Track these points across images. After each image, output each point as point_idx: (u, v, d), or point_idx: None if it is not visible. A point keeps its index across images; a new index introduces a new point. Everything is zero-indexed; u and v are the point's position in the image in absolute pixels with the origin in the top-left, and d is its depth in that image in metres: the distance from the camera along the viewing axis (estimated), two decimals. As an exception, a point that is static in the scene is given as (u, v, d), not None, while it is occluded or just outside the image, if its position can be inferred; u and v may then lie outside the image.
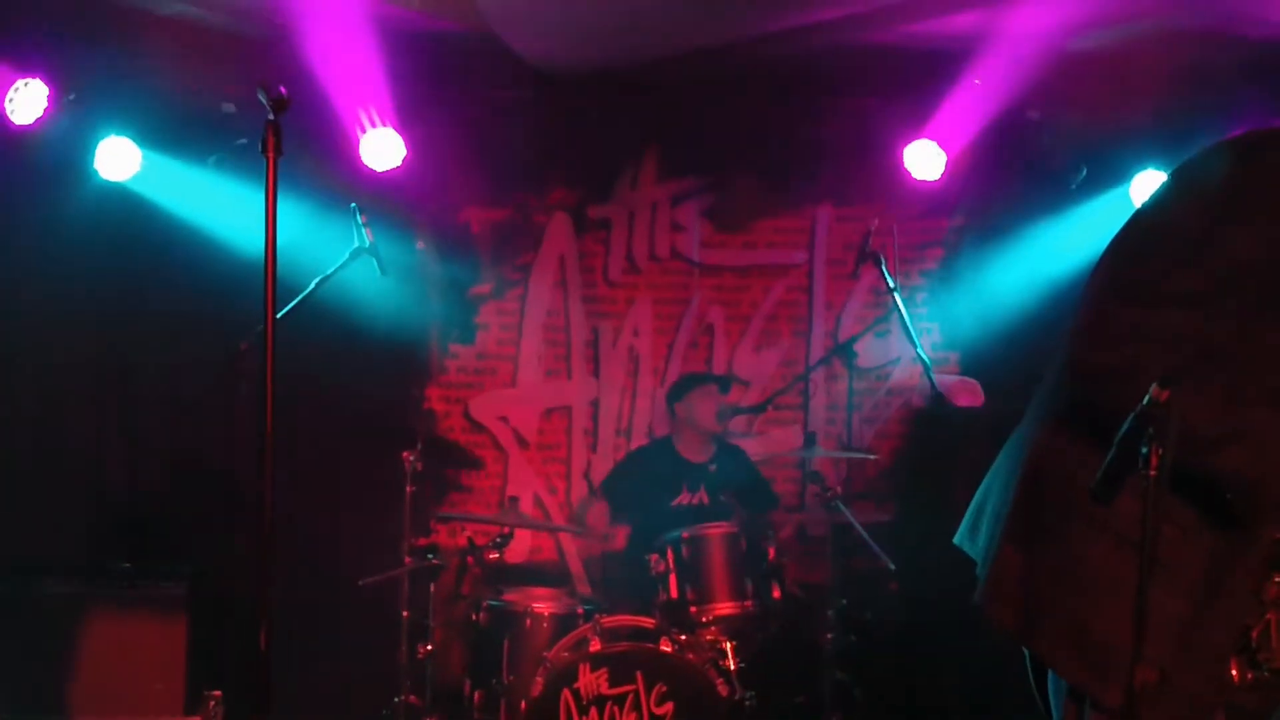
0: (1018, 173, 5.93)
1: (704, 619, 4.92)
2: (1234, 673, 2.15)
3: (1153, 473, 1.79)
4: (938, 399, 5.17)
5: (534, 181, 6.12)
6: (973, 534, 2.40)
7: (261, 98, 2.86)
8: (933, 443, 6.05)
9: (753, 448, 5.96)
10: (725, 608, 4.94)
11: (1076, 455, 2.06)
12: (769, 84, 5.89)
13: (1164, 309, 2.00)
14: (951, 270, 6.19)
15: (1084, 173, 5.70)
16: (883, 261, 5.11)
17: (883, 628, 5.78)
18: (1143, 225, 2.16)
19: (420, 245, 6.09)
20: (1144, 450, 1.80)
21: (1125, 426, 1.84)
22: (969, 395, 5.61)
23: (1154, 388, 1.80)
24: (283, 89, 2.86)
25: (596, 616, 4.75)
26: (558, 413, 6.19)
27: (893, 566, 5.08)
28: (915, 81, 5.61)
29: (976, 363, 6.06)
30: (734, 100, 6.00)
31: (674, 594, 4.97)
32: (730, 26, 5.01)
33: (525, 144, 6.03)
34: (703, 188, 6.21)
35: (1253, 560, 2.10)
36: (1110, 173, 5.62)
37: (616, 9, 4.81)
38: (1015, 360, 5.54)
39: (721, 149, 6.13)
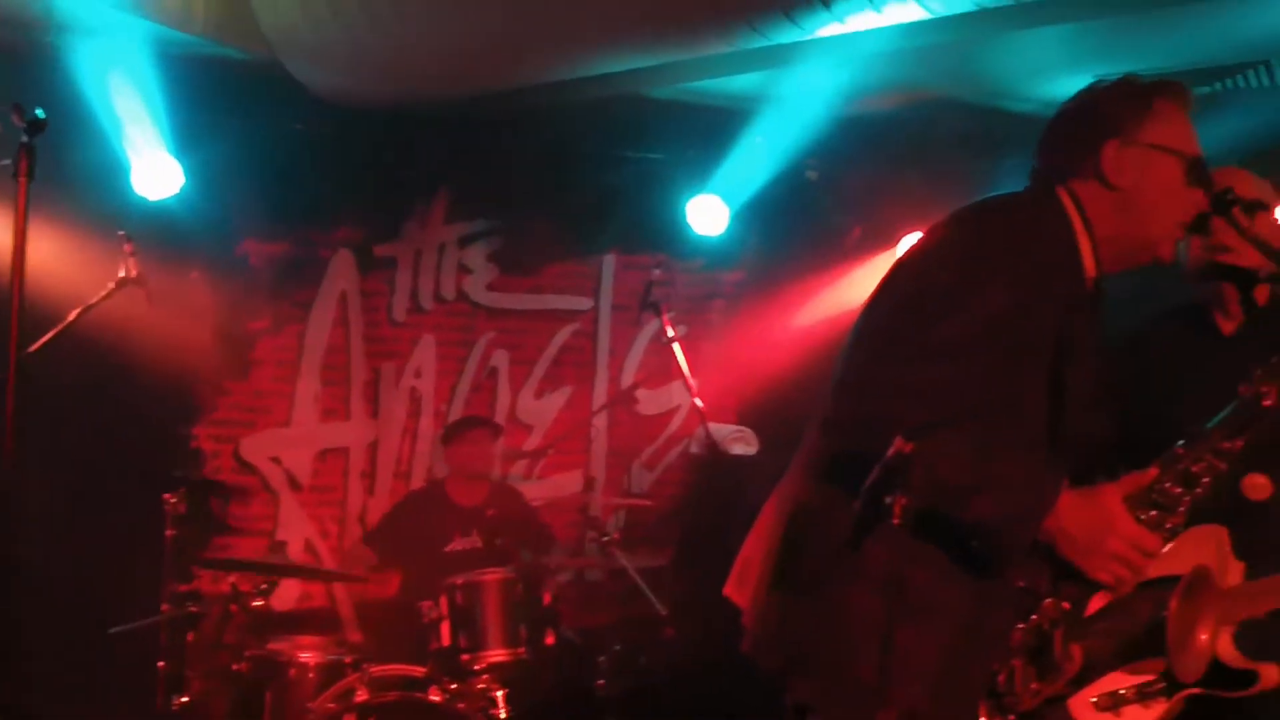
0: (797, 229, 6.14)
1: (476, 666, 4.83)
2: (982, 717, 2.24)
3: (897, 521, 1.86)
4: (714, 447, 5.27)
5: (318, 216, 5.98)
6: (740, 582, 2.44)
7: (15, 119, 2.73)
8: (709, 490, 6.16)
9: (534, 492, 5.95)
10: (498, 655, 4.87)
11: (834, 505, 2.13)
12: (561, 131, 5.94)
13: (918, 364, 2.09)
14: (732, 321, 6.34)
15: (858, 232, 5.95)
16: (663, 311, 5.20)
17: (657, 673, 5.82)
18: (899, 283, 2.26)
19: (193, 276, 5.86)
20: (888, 500, 1.87)
21: (872, 478, 1.91)
22: (743, 444, 5.76)
23: (899, 440, 1.87)
24: (39, 111, 2.73)
25: (365, 666, 4.61)
26: (334, 454, 6.03)
27: (663, 612, 5.12)
28: (701, 137, 5.76)
29: (754, 412, 6.21)
30: (526, 145, 6.03)
31: (446, 642, 4.87)
32: (520, 72, 5.03)
33: (310, 177, 5.89)
34: (491, 230, 6.20)
35: (1001, 607, 2.20)
36: (883, 233, 5.88)
37: (405, 47, 4.77)
38: (790, 411, 5.70)
39: (512, 193, 6.14)
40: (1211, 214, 2.28)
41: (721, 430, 5.97)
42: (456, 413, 6.09)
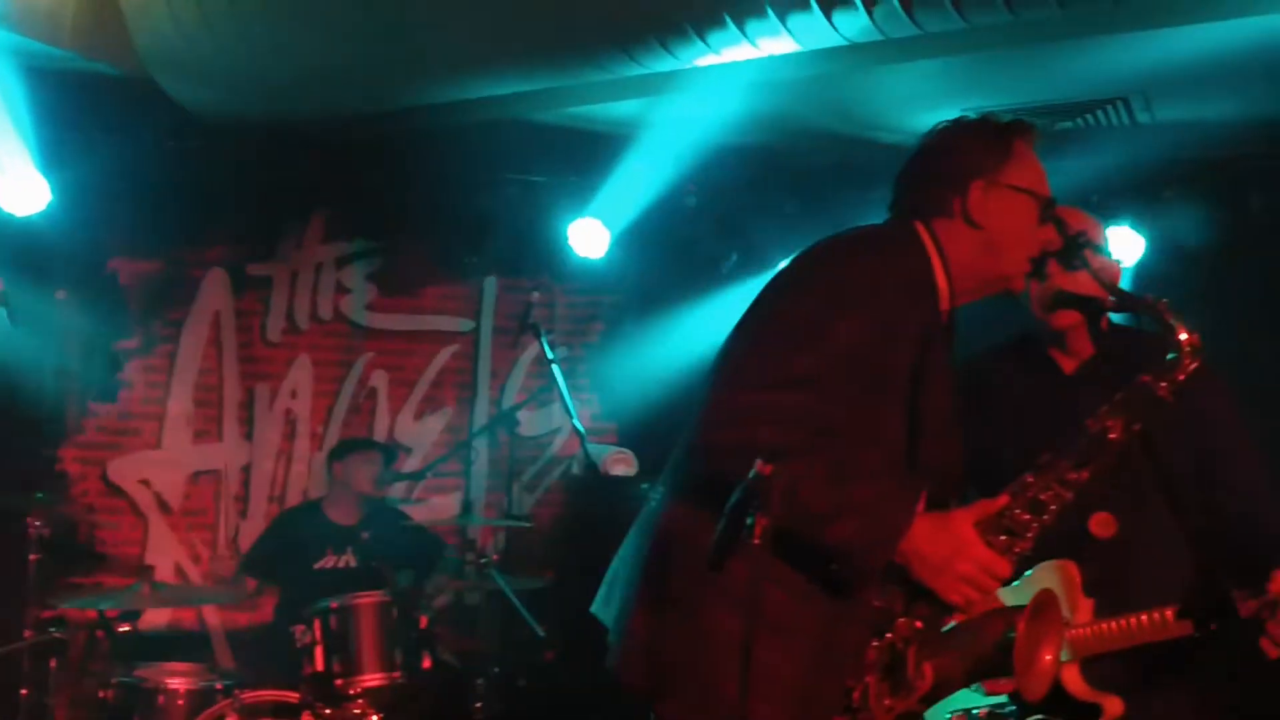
0: (675, 254, 6.22)
1: (351, 691, 4.77)
2: None
3: (757, 540, 1.91)
4: (594, 469, 5.30)
5: (191, 234, 5.88)
6: (607, 602, 2.48)
7: None
8: (589, 511, 6.19)
9: (413, 514, 5.90)
10: (373, 679, 4.81)
11: (699, 526, 2.18)
12: (442, 152, 5.93)
13: (780, 391, 2.15)
14: (612, 344, 6.39)
15: (734, 258, 6.04)
16: (542, 333, 5.23)
17: (536, 695, 5.81)
18: (761, 311, 2.32)
19: (60, 295, 5.70)
20: (749, 520, 1.92)
21: (734, 498, 1.96)
22: (623, 465, 5.79)
23: (759, 462, 1.93)
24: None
25: (236, 692, 4.54)
26: (206, 477, 5.91)
27: (541, 634, 5.13)
28: (583, 161, 5.81)
29: (634, 434, 6.26)
30: (406, 165, 6.01)
31: (320, 666, 4.80)
32: (398, 92, 5.03)
33: (183, 195, 5.78)
34: (370, 251, 6.17)
35: (857, 626, 2.27)
36: (758, 259, 5.99)
37: (281, 64, 4.73)
38: (668, 433, 5.75)
39: (391, 213, 6.12)
40: (1055, 253, 2.39)
41: (602, 451, 5.99)
42: (334, 434, 6.02)
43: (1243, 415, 2.90)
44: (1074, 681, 2.65)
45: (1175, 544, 2.77)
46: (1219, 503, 2.78)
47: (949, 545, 2.19)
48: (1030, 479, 2.33)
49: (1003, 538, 2.29)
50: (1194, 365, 2.33)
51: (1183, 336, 2.32)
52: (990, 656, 2.22)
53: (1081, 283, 2.55)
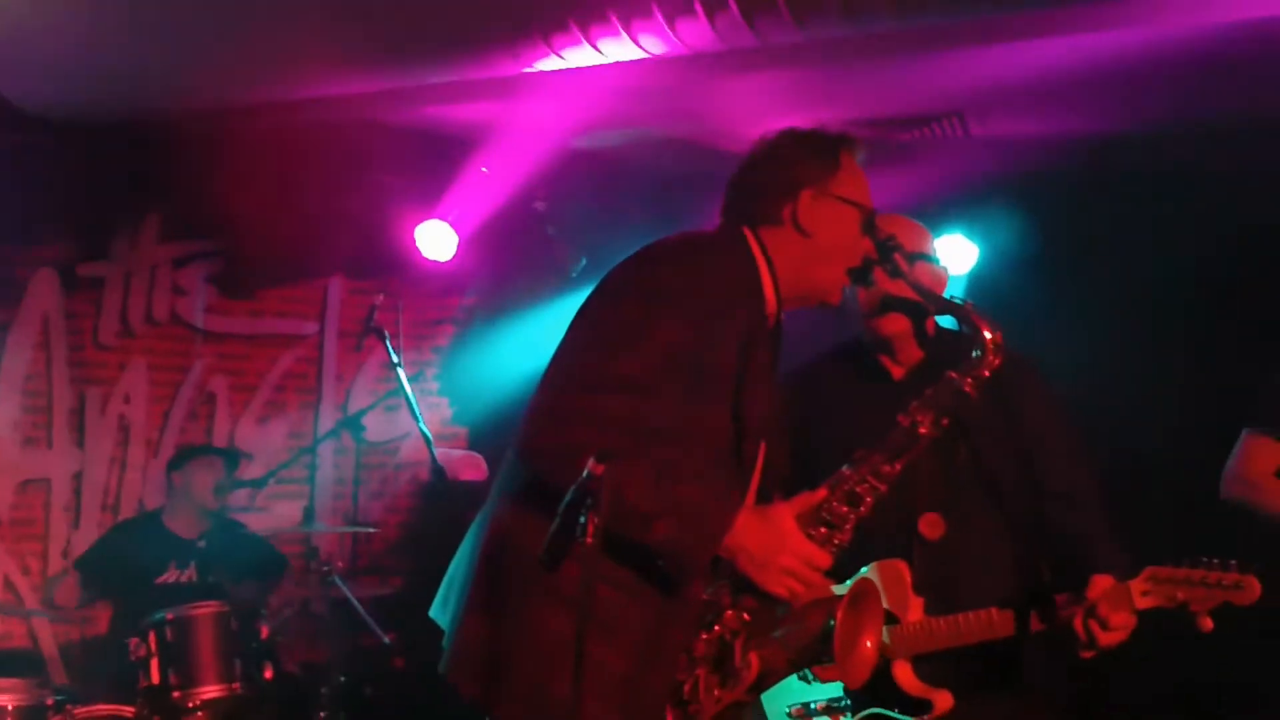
0: (524, 258, 6.21)
1: (189, 704, 4.64)
2: None
3: (589, 540, 1.93)
4: (442, 474, 5.26)
5: (17, 233, 5.61)
6: (444, 606, 2.47)
7: None
8: (438, 517, 6.13)
9: (254, 523, 5.76)
10: (211, 691, 4.69)
11: (530, 528, 2.19)
12: (285, 151, 5.81)
13: (605, 394, 2.18)
14: (462, 348, 6.35)
15: (584, 263, 6.07)
16: (387, 336, 5.17)
17: (383, 704, 5.73)
18: (588, 315, 2.35)
19: (-125, 296, 5.43)
20: (582, 520, 1.94)
21: (567, 498, 1.98)
22: (473, 470, 5.77)
23: (591, 462, 1.95)
24: None
25: (68, 708, 4.37)
26: (35, 485, 5.66)
27: (387, 640, 5.07)
28: (429, 163, 5.76)
29: (484, 438, 6.24)
30: (248, 164, 5.85)
31: (155, 679, 4.65)
32: (237, 89, 4.91)
33: (9, 192, 5.54)
34: (209, 252, 6.00)
35: (685, 621, 2.31)
36: (607, 264, 6.00)
37: (112, 56, 4.57)
38: (519, 437, 5.75)
39: (231, 213, 5.95)
40: (876, 261, 2.48)
41: (451, 456, 5.96)
42: (170, 441, 5.84)
43: (1068, 416, 3.00)
44: (906, 677, 2.73)
45: (1003, 545, 2.86)
46: (1039, 504, 2.87)
47: (771, 539, 2.25)
48: (846, 473, 2.41)
49: (822, 530, 2.36)
50: (997, 361, 2.44)
51: (987, 335, 2.45)
52: (812, 645, 2.29)
53: (906, 289, 2.63)
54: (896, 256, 2.46)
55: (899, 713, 2.71)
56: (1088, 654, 2.63)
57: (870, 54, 4.49)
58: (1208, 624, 2.57)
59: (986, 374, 2.44)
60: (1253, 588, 2.55)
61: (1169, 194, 5.53)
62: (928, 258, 2.96)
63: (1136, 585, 2.60)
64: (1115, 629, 2.58)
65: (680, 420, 2.24)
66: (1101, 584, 2.60)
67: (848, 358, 3.08)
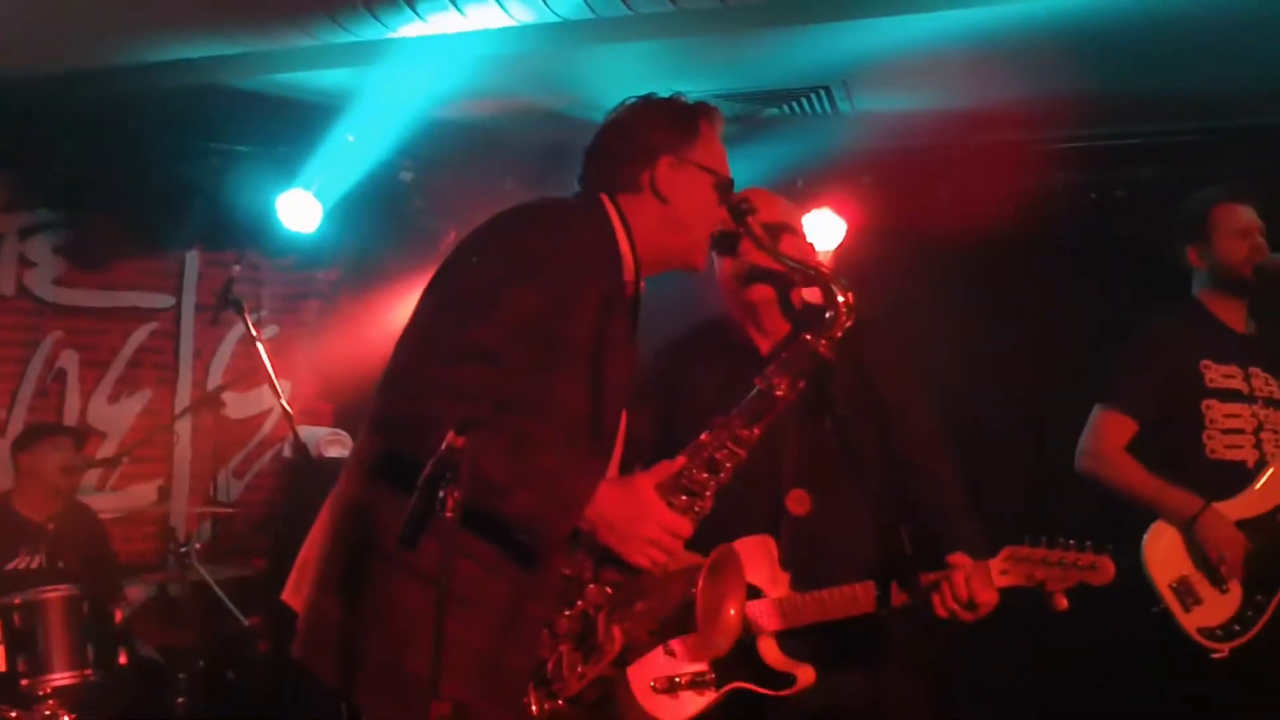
0: (392, 230, 6.08)
1: (39, 692, 4.48)
2: (533, 705, 2.30)
3: (449, 514, 1.88)
4: (303, 451, 5.12)
5: None
6: (297, 587, 2.40)
7: None
8: (303, 495, 5.98)
9: (109, 504, 5.56)
10: (63, 678, 4.53)
11: (386, 504, 2.14)
12: (138, 117, 5.58)
13: (456, 364, 2.13)
14: (327, 322, 6.20)
15: (452, 235, 5.96)
16: (245, 309, 5.00)
17: (246, 688, 5.59)
18: (440, 284, 2.30)
19: None
20: (441, 494, 1.89)
21: (426, 472, 1.92)
22: (338, 447, 5.64)
23: (451, 434, 1.90)
24: None
25: (-90, 699, 4.18)
26: (-126, 469, 5.39)
27: (246, 623, 4.94)
28: (292, 132, 5.58)
29: (351, 415, 6.10)
30: (99, 132, 5.61)
31: (3, 666, 4.49)
32: (84, 52, 4.69)
33: None
34: (58, 222, 5.74)
35: (546, 595, 2.27)
36: (476, 236, 5.91)
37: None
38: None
39: (83, 182, 5.70)
40: (734, 228, 2.48)
41: (316, 433, 5.82)
42: (18, 420, 5.59)
43: (928, 390, 3.04)
44: (770, 652, 2.75)
45: (868, 520, 2.86)
46: (901, 476, 2.90)
47: (631, 509, 2.23)
48: (705, 439, 2.41)
49: (683, 498, 2.35)
50: (849, 322, 2.45)
51: (840, 299, 2.45)
52: (675, 615, 2.27)
53: (768, 259, 2.62)
54: (751, 220, 2.47)
55: (762, 686, 2.72)
56: (943, 611, 2.67)
57: (739, 26, 4.48)
58: (1063, 603, 2.62)
59: (839, 334, 2.44)
60: (1107, 568, 2.62)
61: (1029, 168, 5.66)
62: (791, 229, 2.96)
63: (996, 564, 2.65)
64: (977, 607, 2.63)
65: (537, 390, 2.21)
66: (961, 562, 2.64)
67: (717, 330, 3.08)
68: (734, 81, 5.28)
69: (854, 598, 2.72)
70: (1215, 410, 3.58)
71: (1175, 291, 3.88)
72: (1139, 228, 5.07)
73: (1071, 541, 2.64)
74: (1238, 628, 3.43)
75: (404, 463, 2.07)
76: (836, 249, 5.69)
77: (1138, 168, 5.45)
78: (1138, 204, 5.36)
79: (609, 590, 2.28)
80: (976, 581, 2.61)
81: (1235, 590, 3.46)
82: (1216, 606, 3.45)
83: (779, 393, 2.38)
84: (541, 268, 2.23)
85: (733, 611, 2.27)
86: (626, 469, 2.35)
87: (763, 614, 2.74)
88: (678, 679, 2.66)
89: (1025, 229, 5.37)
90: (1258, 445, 3.57)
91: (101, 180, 5.69)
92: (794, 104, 5.57)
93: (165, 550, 5.82)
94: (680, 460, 2.37)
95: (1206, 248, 3.74)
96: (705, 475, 2.36)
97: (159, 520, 5.80)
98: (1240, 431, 3.58)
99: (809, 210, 5.44)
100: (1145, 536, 3.52)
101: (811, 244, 3.12)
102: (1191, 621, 3.44)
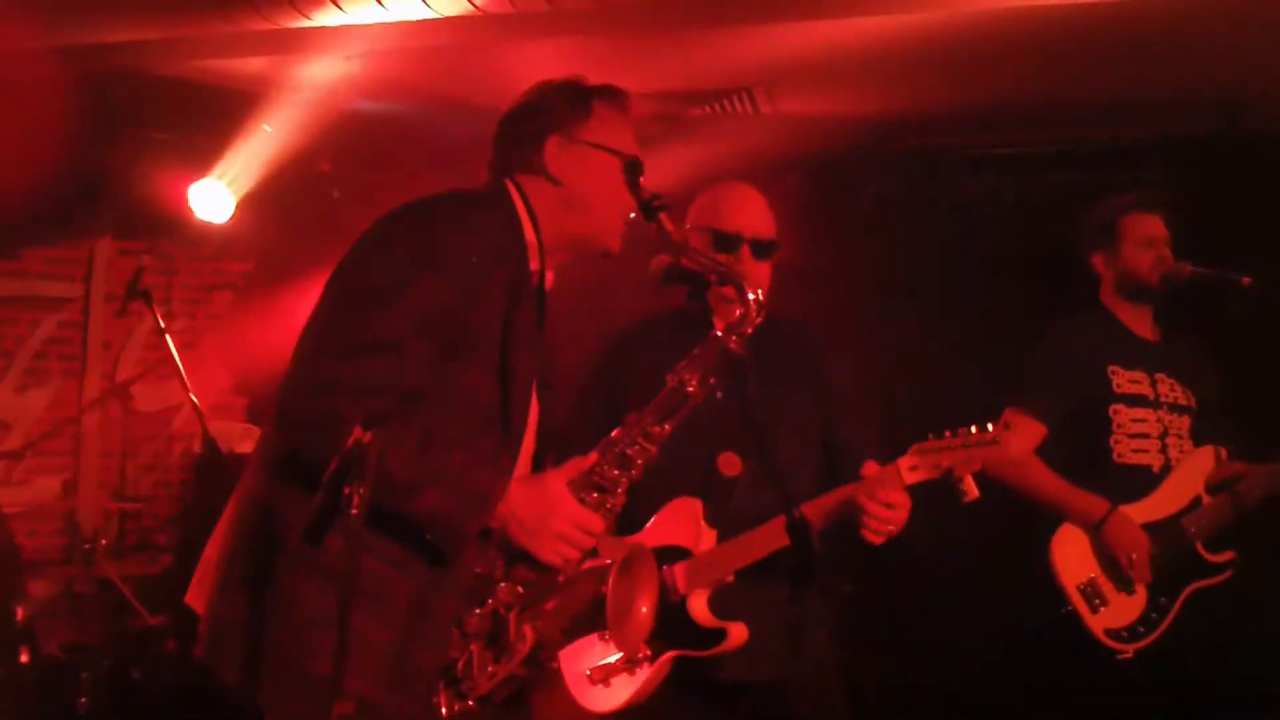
0: (309, 222, 5.97)
1: (-67, 692, 4.36)
2: (443, 705, 2.26)
3: (355, 511, 1.85)
4: (213, 446, 5.03)
5: None
6: (200, 587, 2.34)
7: None
8: (213, 492, 5.86)
9: (12, 497, 5.40)
10: (-42, 677, 4.41)
11: (288, 501, 2.10)
12: (45, 101, 5.42)
13: (359, 358, 2.10)
14: (241, 315, 6.08)
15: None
16: (153, 300, 4.89)
17: (153, 688, 5.47)
18: (339, 279, 2.25)
19: None
20: (347, 491, 1.85)
21: (332, 469, 1.88)
22: (249, 443, 5.53)
23: (358, 430, 1.86)
24: None
25: None
26: None
27: (152, 622, 4.84)
28: (207, 119, 5.47)
29: (264, 410, 5.98)
30: (3, 114, 5.45)
31: (-105, 665, 4.36)
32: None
33: None
34: (-39, 207, 5.57)
35: (456, 593, 2.24)
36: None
37: None
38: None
39: (-12, 166, 5.55)
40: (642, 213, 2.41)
41: (228, 429, 5.71)
42: (-83, 410, 5.42)
43: (862, 383, 3.07)
44: (700, 610, 2.75)
45: (797, 479, 2.84)
46: (834, 459, 2.91)
47: (542, 506, 2.20)
48: (617, 435, 2.39)
49: (594, 494, 2.33)
50: (759, 319, 2.42)
51: (750, 296, 2.43)
52: (587, 613, 2.25)
53: (685, 258, 2.60)
54: (663, 218, 2.41)
55: (697, 649, 2.72)
56: (877, 538, 2.68)
57: (662, 25, 4.48)
58: (973, 490, 2.64)
59: (749, 331, 2.43)
60: (1008, 442, 2.64)
61: (951, 172, 5.74)
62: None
63: (904, 462, 2.68)
64: (892, 507, 2.63)
65: (444, 383, 2.17)
66: (871, 468, 2.68)
67: (673, 320, 3.06)
68: (660, 81, 5.28)
69: (775, 531, 2.72)
70: (1122, 415, 3.63)
71: (1094, 296, 3.94)
72: (1059, 232, 5.18)
73: (974, 425, 2.66)
74: (1142, 629, 3.49)
75: (306, 460, 2.03)
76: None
77: (1057, 172, 5.54)
78: (1057, 209, 5.45)
79: (520, 589, 2.25)
80: (887, 482, 2.64)
81: (1141, 592, 3.52)
82: (1123, 608, 3.50)
83: (690, 389, 2.36)
84: (443, 259, 2.19)
85: (644, 609, 2.25)
86: (539, 463, 2.32)
87: (690, 571, 2.75)
88: (611, 663, 2.63)
89: (947, 232, 5.43)
90: (1163, 450, 3.63)
91: (6, 164, 5.53)
92: (717, 105, 5.58)
93: (70, 546, 5.68)
94: (592, 457, 2.36)
95: (1113, 256, 3.80)
96: (617, 472, 2.34)
97: (65, 515, 5.66)
98: (1146, 436, 3.63)
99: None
100: (1053, 539, 3.57)
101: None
102: (1099, 623, 3.49)
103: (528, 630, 2.18)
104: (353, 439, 1.86)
